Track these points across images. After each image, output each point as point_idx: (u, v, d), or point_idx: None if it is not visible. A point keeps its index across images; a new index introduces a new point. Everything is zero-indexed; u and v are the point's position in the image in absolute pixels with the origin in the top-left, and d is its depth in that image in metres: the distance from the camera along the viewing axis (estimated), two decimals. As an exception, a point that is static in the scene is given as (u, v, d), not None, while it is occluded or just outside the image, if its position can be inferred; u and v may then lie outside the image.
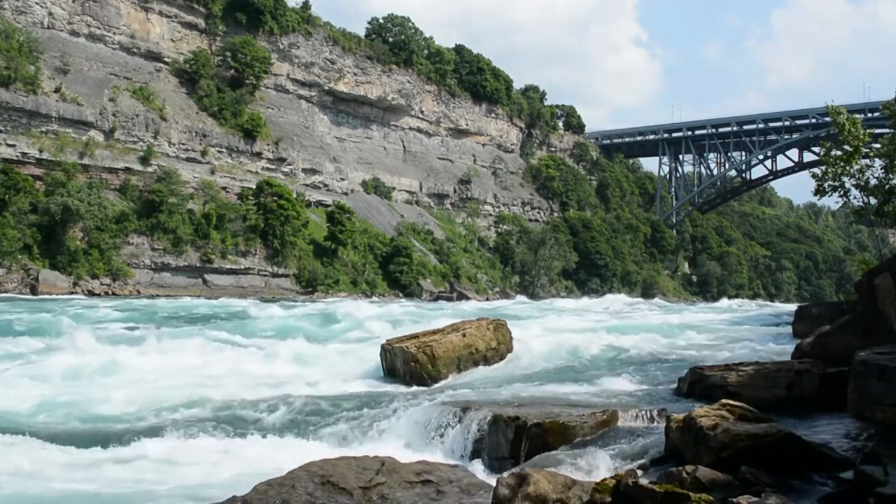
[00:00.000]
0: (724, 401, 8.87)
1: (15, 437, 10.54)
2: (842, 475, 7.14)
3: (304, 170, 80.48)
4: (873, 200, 27.81)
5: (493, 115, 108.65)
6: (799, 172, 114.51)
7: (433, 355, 15.50)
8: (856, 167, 26.84)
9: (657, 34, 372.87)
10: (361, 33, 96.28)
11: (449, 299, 71.22)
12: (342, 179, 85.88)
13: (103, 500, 8.21)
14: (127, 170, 62.81)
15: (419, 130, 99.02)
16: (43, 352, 18.35)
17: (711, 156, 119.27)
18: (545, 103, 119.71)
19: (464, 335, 16.50)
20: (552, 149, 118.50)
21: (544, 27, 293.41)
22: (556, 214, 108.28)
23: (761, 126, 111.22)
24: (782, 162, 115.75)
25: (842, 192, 27.62)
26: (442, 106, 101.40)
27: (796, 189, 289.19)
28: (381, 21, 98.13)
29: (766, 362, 12.68)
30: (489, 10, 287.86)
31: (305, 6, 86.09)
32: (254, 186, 70.55)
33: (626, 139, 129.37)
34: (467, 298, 73.55)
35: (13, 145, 55.70)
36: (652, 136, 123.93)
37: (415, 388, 14.41)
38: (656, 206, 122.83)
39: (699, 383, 11.90)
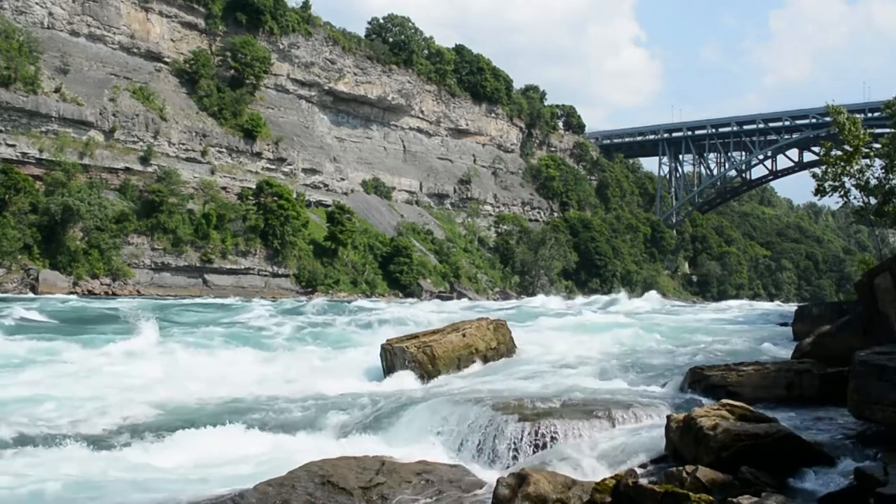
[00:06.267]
0: (724, 401, 8.88)
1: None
2: (842, 475, 7.14)
3: (304, 170, 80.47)
4: (873, 200, 27.80)
5: (493, 114, 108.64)
6: (799, 172, 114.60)
7: (433, 355, 15.49)
8: (856, 167, 26.81)
9: (656, 34, 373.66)
10: (361, 33, 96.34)
11: (449, 299, 71.16)
12: (342, 179, 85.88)
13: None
14: (127, 170, 62.80)
15: (419, 130, 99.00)
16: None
17: (711, 156, 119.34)
18: (545, 103, 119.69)
19: (464, 335, 16.49)
20: (552, 149, 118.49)
21: (541, 27, 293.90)
22: (556, 214, 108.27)
23: (761, 126, 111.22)
24: (782, 162, 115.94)
25: (842, 192, 27.59)
26: (442, 106, 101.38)
27: (796, 189, 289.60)
28: (381, 21, 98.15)
29: (767, 362, 12.69)
30: (486, 10, 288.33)
31: (305, 6, 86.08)
32: (254, 186, 70.54)
33: (626, 139, 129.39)
34: (468, 299, 73.48)
35: (13, 145, 55.69)
36: (652, 136, 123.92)
37: (415, 387, 14.40)
38: (656, 206, 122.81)
39: (699, 383, 11.89)
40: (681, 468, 7.14)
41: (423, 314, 30.90)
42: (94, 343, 19.54)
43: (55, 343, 19.34)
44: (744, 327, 29.21)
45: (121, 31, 69.38)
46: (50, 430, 11.11)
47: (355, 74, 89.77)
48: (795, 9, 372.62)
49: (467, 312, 31.78)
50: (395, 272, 76.65)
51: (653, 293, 72.00)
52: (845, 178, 27.11)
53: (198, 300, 49.86)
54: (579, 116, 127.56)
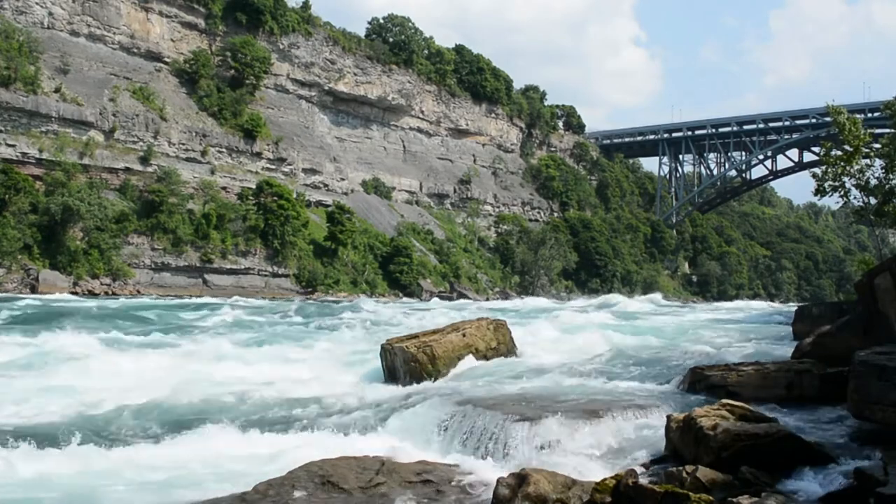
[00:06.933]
0: (724, 401, 8.88)
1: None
2: (842, 475, 7.14)
3: (304, 170, 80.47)
4: (873, 200, 27.80)
5: (493, 115, 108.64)
6: (799, 172, 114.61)
7: (433, 355, 15.48)
8: (856, 167, 26.80)
9: (656, 34, 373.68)
10: (361, 33, 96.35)
11: (449, 299, 71.26)
12: (342, 179, 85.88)
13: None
14: (127, 170, 62.80)
15: (419, 130, 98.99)
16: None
17: (711, 156, 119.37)
18: (545, 103, 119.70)
19: (464, 335, 16.48)
20: (552, 149, 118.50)
21: (541, 27, 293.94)
22: (556, 214, 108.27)
23: (761, 126, 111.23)
24: (782, 162, 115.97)
25: (842, 192, 27.57)
26: (442, 106, 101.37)
27: (796, 189, 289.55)
28: (382, 21, 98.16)
29: (766, 362, 12.67)
30: (486, 10, 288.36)
31: (305, 6, 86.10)
32: (254, 186, 70.54)
33: (626, 139, 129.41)
34: (467, 298, 73.62)
35: (13, 145, 55.70)
36: (652, 136, 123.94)
37: (415, 387, 14.40)
38: (656, 206, 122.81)
39: (699, 383, 11.90)
40: (681, 468, 7.14)
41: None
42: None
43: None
44: (744, 327, 29.23)
45: (121, 31, 69.38)
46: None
47: (355, 74, 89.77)
48: (795, 9, 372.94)
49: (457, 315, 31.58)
50: (395, 272, 76.65)
51: (656, 295, 72.45)
52: (845, 178, 27.09)
53: (195, 299, 49.85)
54: (579, 116, 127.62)
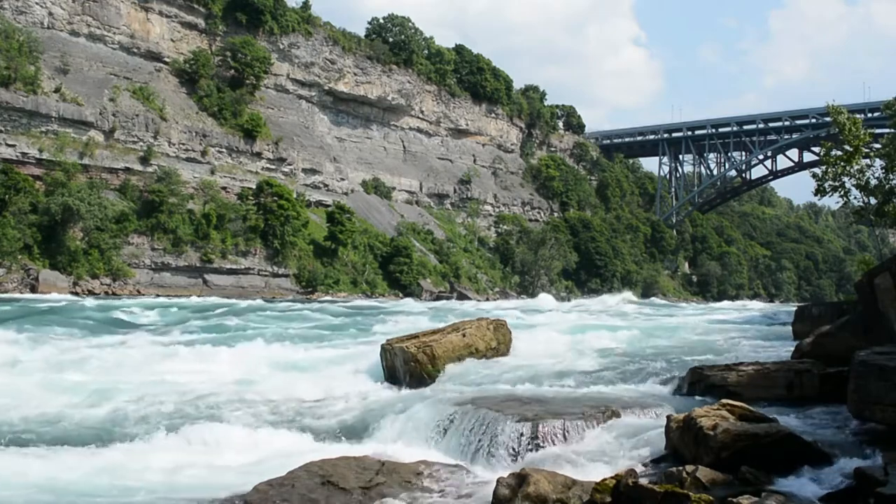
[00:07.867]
0: (724, 401, 8.88)
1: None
2: (842, 475, 7.15)
3: (304, 170, 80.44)
4: (873, 200, 27.81)
5: (493, 115, 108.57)
6: (799, 172, 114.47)
7: (433, 355, 15.48)
8: (856, 167, 26.80)
9: (655, 34, 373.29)
10: (361, 33, 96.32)
11: (449, 299, 71.25)
12: (342, 179, 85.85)
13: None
14: (127, 170, 62.75)
15: (419, 130, 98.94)
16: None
17: (711, 156, 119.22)
18: (545, 103, 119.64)
19: (464, 335, 16.49)
20: (552, 149, 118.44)
21: (541, 27, 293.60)
22: (556, 214, 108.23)
23: (761, 126, 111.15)
24: (782, 162, 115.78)
25: (842, 192, 27.57)
26: (442, 106, 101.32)
27: (796, 189, 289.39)
28: (381, 21, 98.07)
29: (766, 362, 12.69)
30: (485, 10, 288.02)
31: (305, 6, 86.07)
32: (254, 186, 70.49)
33: (626, 139, 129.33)
34: (467, 298, 73.62)
35: (13, 145, 55.65)
36: (652, 136, 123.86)
37: (415, 387, 14.41)
38: (656, 206, 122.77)
39: (699, 383, 11.91)
40: (681, 468, 7.14)
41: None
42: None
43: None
44: (743, 327, 29.24)
45: (121, 31, 69.33)
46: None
47: (355, 74, 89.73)
48: (795, 9, 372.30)
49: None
50: (395, 272, 76.62)
51: (652, 299, 72.99)
52: (845, 178, 27.10)
53: (195, 299, 49.84)
54: (579, 116, 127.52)
